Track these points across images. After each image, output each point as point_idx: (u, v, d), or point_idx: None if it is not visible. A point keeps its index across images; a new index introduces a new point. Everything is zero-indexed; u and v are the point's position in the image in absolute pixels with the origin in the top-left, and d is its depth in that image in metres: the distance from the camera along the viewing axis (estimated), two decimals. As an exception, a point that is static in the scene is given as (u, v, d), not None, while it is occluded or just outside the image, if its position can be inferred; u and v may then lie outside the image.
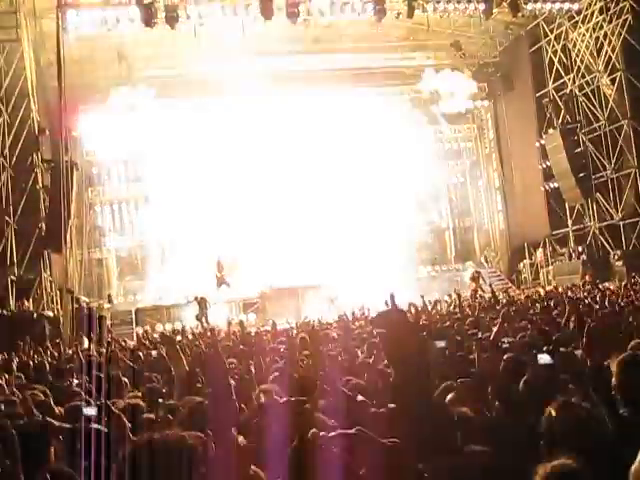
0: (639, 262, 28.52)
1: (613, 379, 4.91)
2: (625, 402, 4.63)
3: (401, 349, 3.90)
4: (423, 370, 4.03)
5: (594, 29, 31.44)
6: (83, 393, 9.46)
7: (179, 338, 16.44)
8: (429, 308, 18.12)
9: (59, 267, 28.19)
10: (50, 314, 26.39)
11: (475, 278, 32.04)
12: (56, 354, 16.72)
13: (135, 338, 26.57)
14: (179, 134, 34.53)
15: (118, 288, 31.57)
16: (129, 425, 5.74)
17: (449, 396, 5.27)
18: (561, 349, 7.70)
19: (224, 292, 31.98)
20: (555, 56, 33.61)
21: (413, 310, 18.85)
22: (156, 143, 34.07)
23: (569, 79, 33.18)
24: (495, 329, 8.76)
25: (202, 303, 29.79)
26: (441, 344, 6.98)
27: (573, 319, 11.16)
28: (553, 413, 3.82)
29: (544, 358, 6.93)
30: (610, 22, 30.35)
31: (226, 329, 20.34)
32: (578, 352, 7.38)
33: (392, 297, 4.33)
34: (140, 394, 8.25)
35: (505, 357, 6.12)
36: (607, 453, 2.77)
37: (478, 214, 37.40)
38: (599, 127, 32.16)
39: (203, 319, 29.03)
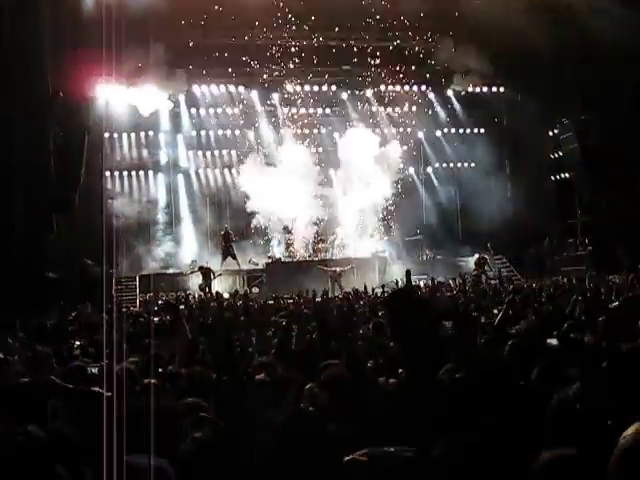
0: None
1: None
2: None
3: (413, 326, 3.87)
4: (435, 348, 4.02)
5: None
6: (81, 355, 9.53)
7: (182, 307, 16.49)
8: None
9: (66, 230, 28.23)
10: (54, 276, 26.42)
11: (480, 264, 32.04)
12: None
13: (138, 304, 26.74)
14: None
15: (124, 254, 31.50)
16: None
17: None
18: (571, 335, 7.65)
19: (229, 263, 32.09)
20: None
21: (425, 290, 18.98)
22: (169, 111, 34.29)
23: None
24: (500, 315, 8.74)
25: (207, 273, 29.91)
26: (446, 324, 6.95)
27: (579, 308, 11.17)
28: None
29: (552, 343, 6.91)
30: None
31: (230, 300, 20.41)
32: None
33: (408, 273, 4.38)
34: (138, 360, 8.23)
35: (510, 342, 6.06)
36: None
37: (486, 200, 37.27)
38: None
39: (206, 289, 29.15)
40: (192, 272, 30.89)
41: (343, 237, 33.88)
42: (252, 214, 33.61)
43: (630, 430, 2.54)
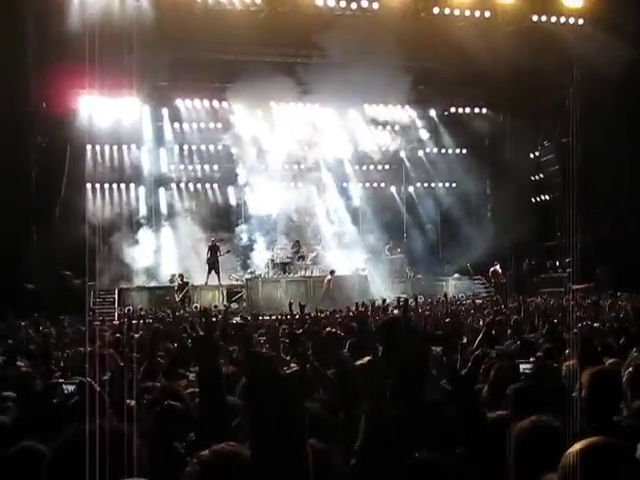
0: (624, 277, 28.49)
1: (583, 392, 4.94)
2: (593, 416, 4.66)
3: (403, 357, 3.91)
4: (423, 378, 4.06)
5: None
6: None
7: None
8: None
9: (45, 241, 28.11)
10: (32, 287, 26.32)
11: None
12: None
13: (117, 318, 26.55)
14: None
15: (105, 266, 31.27)
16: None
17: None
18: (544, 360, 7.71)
19: (211, 278, 32.02)
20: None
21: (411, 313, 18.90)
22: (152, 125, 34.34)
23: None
24: (479, 337, 8.79)
25: (184, 287, 29.88)
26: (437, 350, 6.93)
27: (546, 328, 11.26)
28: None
29: (526, 367, 6.94)
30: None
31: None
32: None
33: (405, 302, 4.45)
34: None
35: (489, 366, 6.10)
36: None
37: (467, 221, 37.30)
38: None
39: (185, 303, 29.10)
40: (171, 283, 30.97)
41: (322, 253, 33.89)
42: (236, 229, 33.85)
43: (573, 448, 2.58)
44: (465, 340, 10.50)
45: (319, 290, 31.06)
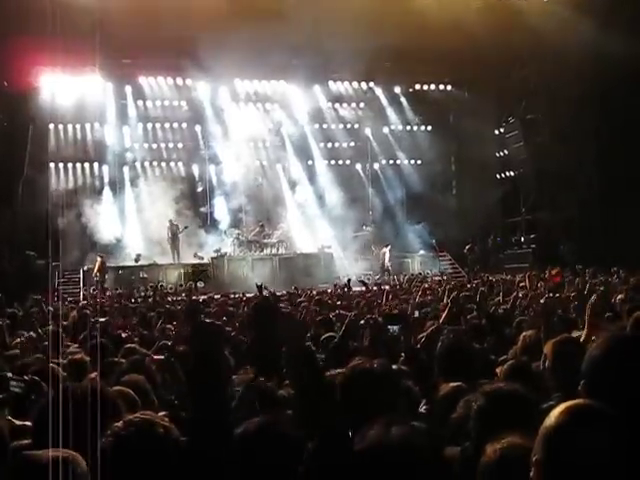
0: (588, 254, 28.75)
1: (547, 362, 4.99)
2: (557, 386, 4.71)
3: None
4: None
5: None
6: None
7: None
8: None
9: (7, 222, 27.84)
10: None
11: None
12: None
13: (82, 298, 26.40)
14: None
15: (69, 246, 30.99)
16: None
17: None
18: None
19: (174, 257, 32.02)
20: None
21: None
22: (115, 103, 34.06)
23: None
24: (445, 313, 8.84)
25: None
26: (394, 328, 6.94)
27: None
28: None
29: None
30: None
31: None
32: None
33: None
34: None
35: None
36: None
37: (432, 197, 37.37)
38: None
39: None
40: (135, 261, 31.07)
41: (288, 231, 33.87)
42: (200, 207, 33.89)
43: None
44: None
45: (285, 268, 31.14)
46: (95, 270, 29.53)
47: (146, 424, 3.03)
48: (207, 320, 9.83)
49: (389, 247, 33.16)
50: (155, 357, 7.10)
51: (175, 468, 2.97)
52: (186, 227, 32.10)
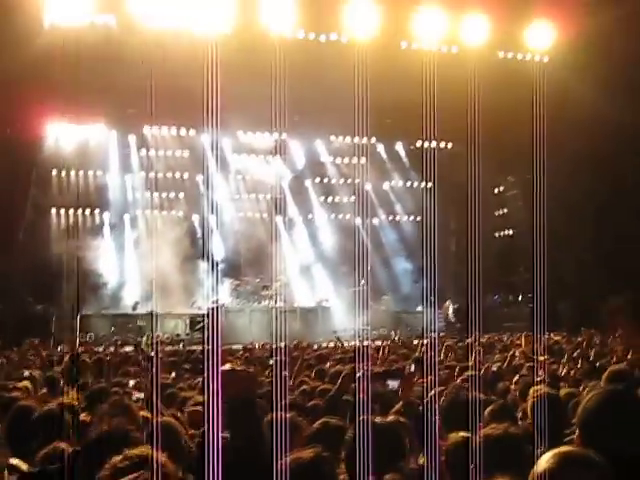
0: (589, 314, 28.74)
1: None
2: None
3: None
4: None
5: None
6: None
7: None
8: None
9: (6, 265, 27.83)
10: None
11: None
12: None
13: (77, 346, 26.26)
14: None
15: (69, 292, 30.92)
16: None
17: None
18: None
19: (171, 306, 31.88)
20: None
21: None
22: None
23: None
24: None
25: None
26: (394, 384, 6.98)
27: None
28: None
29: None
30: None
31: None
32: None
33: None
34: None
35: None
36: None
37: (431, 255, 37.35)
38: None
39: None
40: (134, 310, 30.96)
41: (286, 284, 33.84)
42: (199, 256, 33.87)
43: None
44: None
45: (283, 321, 31.02)
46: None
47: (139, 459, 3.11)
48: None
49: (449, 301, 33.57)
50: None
51: None
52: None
